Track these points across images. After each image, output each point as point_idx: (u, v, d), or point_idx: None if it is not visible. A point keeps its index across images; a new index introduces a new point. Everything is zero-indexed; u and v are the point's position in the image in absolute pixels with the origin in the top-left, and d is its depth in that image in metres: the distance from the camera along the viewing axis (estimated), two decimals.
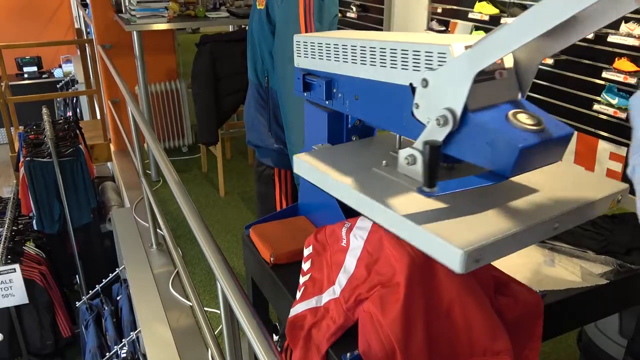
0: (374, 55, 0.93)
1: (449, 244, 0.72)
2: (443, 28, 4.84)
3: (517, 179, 0.91)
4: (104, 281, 3.12)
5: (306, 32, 1.40)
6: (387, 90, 0.91)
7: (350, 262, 0.97)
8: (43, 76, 7.85)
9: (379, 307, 0.90)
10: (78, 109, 7.08)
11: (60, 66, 7.97)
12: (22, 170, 3.61)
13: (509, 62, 0.84)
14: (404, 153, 0.88)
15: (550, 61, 3.73)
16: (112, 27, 4.00)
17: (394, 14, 5.53)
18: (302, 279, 1.08)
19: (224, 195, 3.73)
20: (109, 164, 5.20)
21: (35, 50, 7.74)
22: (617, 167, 3.53)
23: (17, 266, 3.21)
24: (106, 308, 3.03)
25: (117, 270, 3.08)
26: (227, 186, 3.78)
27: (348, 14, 6.15)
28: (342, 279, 0.99)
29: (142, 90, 3.72)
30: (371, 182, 0.92)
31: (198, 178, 4.05)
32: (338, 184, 0.94)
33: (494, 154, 0.76)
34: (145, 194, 2.83)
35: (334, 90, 1.05)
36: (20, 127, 4.49)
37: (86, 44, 4.90)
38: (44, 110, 4.11)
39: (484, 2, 4.30)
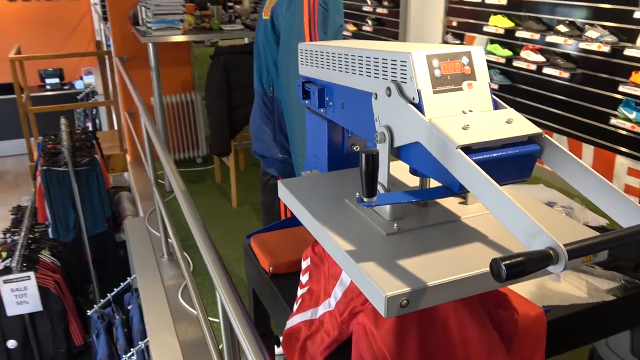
0: (350, 62, 0.94)
1: (376, 286, 0.71)
2: (458, 41, 4.82)
3: (484, 219, 0.88)
4: (116, 290, 3.14)
5: (310, 41, 1.40)
6: (363, 99, 0.91)
7: (347, 275, 0.96)
8: (64, 88, 8.01)
9: (372, 319, 0.89)
10: (97, 120, 7.20)
11: (81, 78, 8.13)
12: (39, 179, 3.66)
13: (481, 73, 0.83)
14: None
15: (565, 75, 3.69)
16: (130, 39, 4.07)
17: (410, 27, 5.54)
18: (299, 291, 1.07)
19: (237, 206, 3.74)
20: (125, 174, 5.26)
21: (57, 62, 7.91)
22: (635, 182, 3.46)
23: (31, 274, 3.25)
24: (117, 317, 3.05)
25: (129, 279, 3.10)
26: (240, 197, 3.79)
27: (364, 27, 6.17)
28: (337, 292, 0.98)
29: (157, 101, 3.76)
30: (334, 213, 0.91)
31: (211, 189, 4.07)
32: (304, 212, 0.94)
33: (442, 169, 0.74)
34: (157, 203, 2.85)
35: (327, 98, 1.05)
36: (40, 137, 4.58)
37: (105, 56, 4.99)
38: (62, 120, 4.19)
39: (499, 16, 4.28)
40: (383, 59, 0.86)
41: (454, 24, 4.87)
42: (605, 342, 1.51)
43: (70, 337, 3.60)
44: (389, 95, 0.84)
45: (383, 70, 0.86)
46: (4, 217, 4.57)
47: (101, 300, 3.16)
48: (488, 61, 4.41)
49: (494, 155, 0.74)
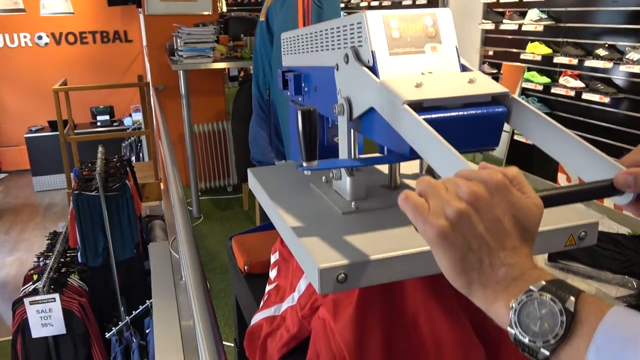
0: (318, 40, 0.89)
1: (311, 258, 0.64)
2: (495, 71, 4.71)
3: None
4: (134, 313, 3.11)
5: None
6: (330, 75, 0.85)
7: None
8: (114, 124, 8.33)
9: (331, 311, 0.80)
10: (141, 153, 7.41)
11: (130, 115, 8.44)
12: (71, 203, 3.74)
13: (448, 35, 0.75)
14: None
15: (606, 99, 3.51)
16: (166, 70, 4.18)
17: None
18: (267, 287, 0.99)
19: None
20: (162, 203, 5.32)
21: (108, 100, 8.27)
22: None
23: (57, 296, 3.27)
24: (135, 341, 3.01)
25: (147, 302, 3.07)
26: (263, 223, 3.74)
27: None
28: (302, 286, 0.89)
29: (186, 129, 3.81)
30: (294, 195, 0.86)
31: (238, 216, 4.05)
32: (264, 195, 0.89)
33: (394, 133, 0.66)
34: (177, 228, 2.83)
35: (302, 85, 0.99)
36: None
37: (145, 88, 5.15)
38: (100, 148, 4.30)
39: (536, 43, 4.16)
40: (343, 26, 0.80)
41: (490, 53, 4.77)
42: None
43: None
44: (347, 62, 0.78)
45: (344, 39, 0.80)
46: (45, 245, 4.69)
47: (119, 323, 3.13)
48: (526, 89, 4.26)
49: (449, 114, 0.65)
